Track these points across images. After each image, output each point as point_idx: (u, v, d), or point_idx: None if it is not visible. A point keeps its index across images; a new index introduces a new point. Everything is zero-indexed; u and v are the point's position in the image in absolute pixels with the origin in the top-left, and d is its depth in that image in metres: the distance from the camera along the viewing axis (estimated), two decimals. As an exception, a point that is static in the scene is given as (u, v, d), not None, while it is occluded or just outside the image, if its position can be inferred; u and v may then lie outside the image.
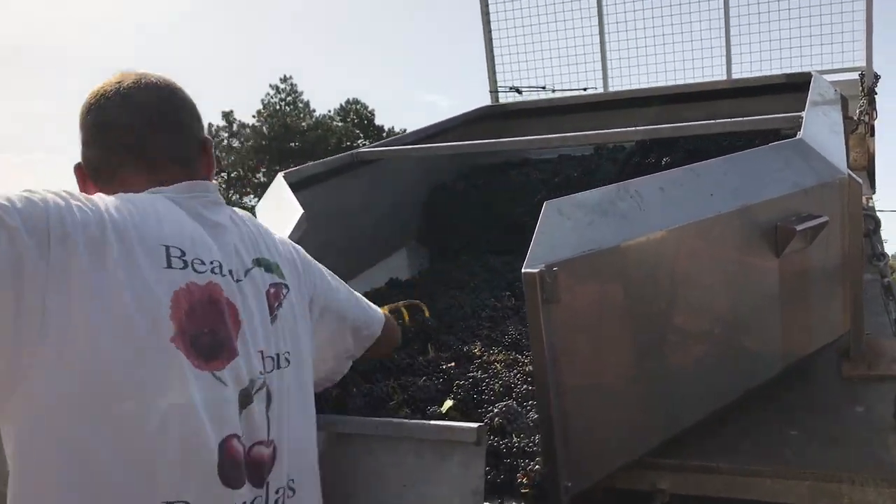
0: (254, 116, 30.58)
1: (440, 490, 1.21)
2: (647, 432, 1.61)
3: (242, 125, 30.46)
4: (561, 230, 1.49)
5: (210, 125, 30.57)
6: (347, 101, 31.76)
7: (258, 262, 1.29)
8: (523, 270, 1.41)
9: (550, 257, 1.43)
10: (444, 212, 3.33)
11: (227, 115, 30.65)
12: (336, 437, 1.41)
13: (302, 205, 2.20)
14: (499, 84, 4.43)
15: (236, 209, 1.39)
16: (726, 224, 1.66)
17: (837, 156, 1.91)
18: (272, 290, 1.29)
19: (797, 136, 1.93)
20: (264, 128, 30.04)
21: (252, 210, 2.18)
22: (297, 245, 1.48)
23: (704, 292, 1.67)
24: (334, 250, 2.64)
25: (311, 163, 2.58)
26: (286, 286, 1.33)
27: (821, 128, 2.09)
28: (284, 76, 31.76)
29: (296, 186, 2.37)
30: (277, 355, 1.24)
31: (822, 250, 1.82)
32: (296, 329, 1.31)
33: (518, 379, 1.81)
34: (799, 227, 1.72)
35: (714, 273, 1.69)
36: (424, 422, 1.37)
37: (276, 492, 1.19)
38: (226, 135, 30.48)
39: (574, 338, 1.47)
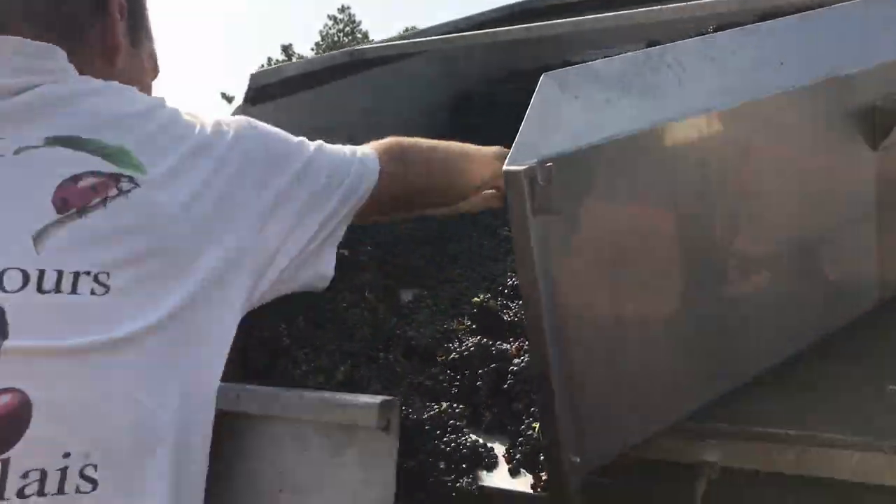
0: (312, 49, 30.25)
1: (329, 500, 0.82)
2: (689, 390, 1.21)
3: (301, 58, 30.17)
4: (563, 112, 1.07)
5: (269, 59, 30.42)
6: (406, 29, 31.06)
7: (66, 142, 0.91)
8: (504, 168, 1.00)
9: (545, 149, 1.01)
10: (469, 124, 2.88)
11: (287, 49, 30.41)
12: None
13: (277, 112, 1.81)
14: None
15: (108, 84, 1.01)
16: (802, 104, 1.23)
17: (960, 13, 1.41)
18: (83, 184, 0.89)
19: (904, -12, 1.44)
20: (323, 60, 29.66)
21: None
22: (255, 131, 1.14)
23: (770, 199, 1.24)
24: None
25: (295, 61, 2.17)
26: (131, 180, 0.92)
27: (935, -17, 1.57)
28: (342, 6, 31.24)
29: (270, 90, 1.97)
30: (53, 272, 0.85)
31: (938, 141, 1.35)
32: (138, 245, 0.92)
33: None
34: (906, 108, 1.26)
35: (784, 173, 1.25)
36: (306, 392, 0.97)
37: (25, 476, 0.79)
38: (286, 68, 30.31)
39: (579, 265, 1.05)
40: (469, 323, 1.56)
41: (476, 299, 1.60)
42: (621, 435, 1.16)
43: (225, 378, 1.43)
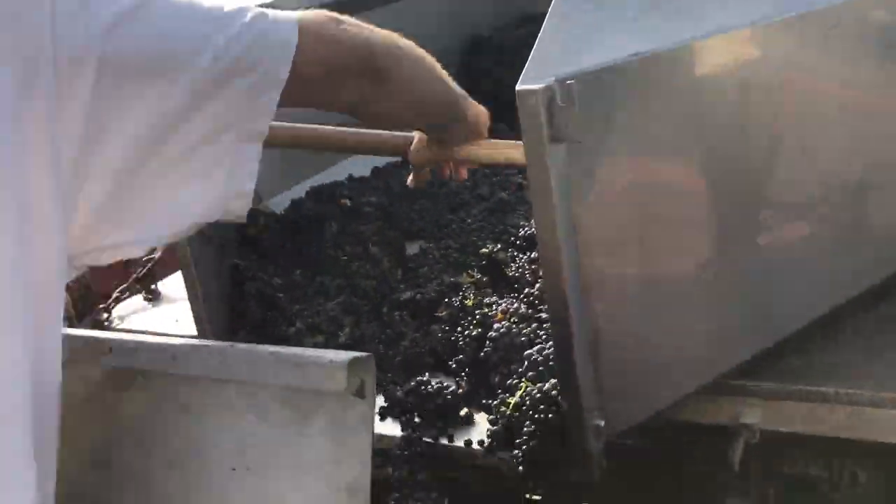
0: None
1: (293, 482, 0.69)
2: (726, 346, 1.08)
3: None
4: (587, 24, 0.93)
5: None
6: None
7: None
8: (518, 87, 0.86)
9: (565, 66, 0.87)
10: (481, 70, 2.73)
11: None
12: (112, 374, 0.84)
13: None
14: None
15: None
16: (856, 18, 1.08)
17: None
18: None
19: None
20: None
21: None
22: None
23: (819, 131, 1.09)
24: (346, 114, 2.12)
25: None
26: None
27: None
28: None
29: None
30: None
31: None
32: None
33: None
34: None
35: (837, 100, 1.10)
36: (260, 349, 0.80)
37: None
38: None
39: (605, 203, 0.92)
40: (479, 275, 1.44)
41: (484, 250, 1.48)
42: (651, 396, 1.04)
43: (212, 337, 1.32)
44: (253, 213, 1.69)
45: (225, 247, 1.45)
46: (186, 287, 1.29)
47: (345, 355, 0.66)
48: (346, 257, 1.58)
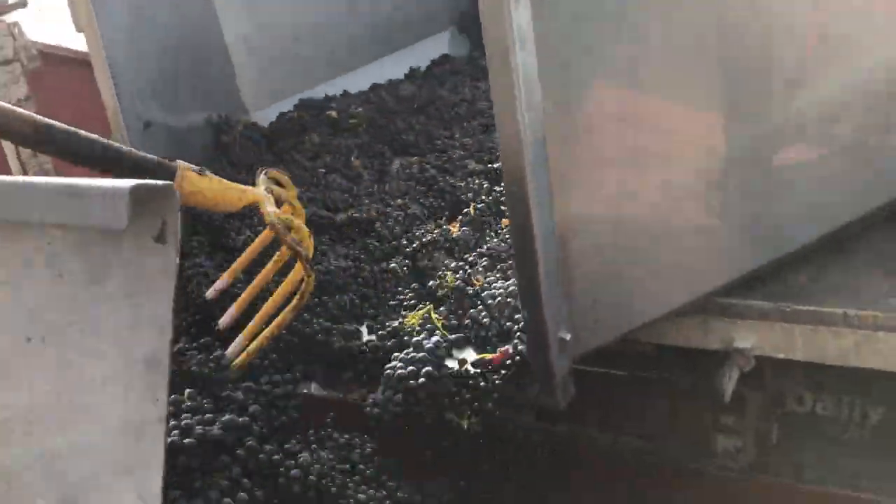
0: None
1: (89, 353, 0.55)
2: (719, 258, 0.94)
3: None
4: None
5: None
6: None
7: None
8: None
9: None
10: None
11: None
12: None
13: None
14: None
15: None
16: None
17: None
18: None
19: None
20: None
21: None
22: None
23: (841, 18, 0.93)
24: (344, 33, 1.98)
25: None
26: None
27: None
28: None
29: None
30: None
31: None
32: None
33: None
34: None
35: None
36: (41, 179, 0.65)
37: None
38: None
39: (579, 78, 0.79)
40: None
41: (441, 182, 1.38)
42: (628, 310, 0.91)
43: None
44: (228, 122, 1.60)
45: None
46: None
47: (131, 183, 0.52)
48: (323, 169, 1.49)
